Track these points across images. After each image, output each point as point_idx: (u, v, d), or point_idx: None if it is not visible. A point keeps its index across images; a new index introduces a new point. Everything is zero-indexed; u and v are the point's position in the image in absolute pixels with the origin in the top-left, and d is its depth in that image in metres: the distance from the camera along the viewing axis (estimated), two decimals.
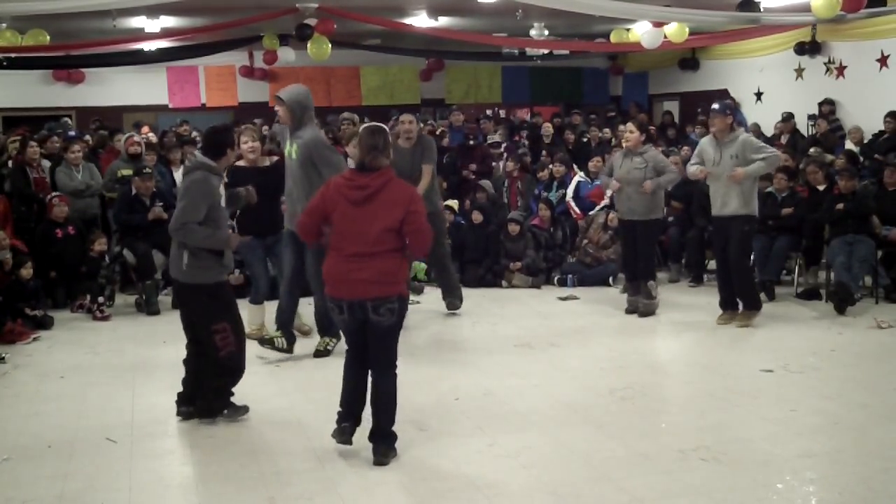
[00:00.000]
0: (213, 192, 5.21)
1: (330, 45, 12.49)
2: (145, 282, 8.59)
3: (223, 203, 5.35)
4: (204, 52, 14.64)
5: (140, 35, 12.82)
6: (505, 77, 18.28)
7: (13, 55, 12.07)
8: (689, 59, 16.60)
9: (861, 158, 10.79)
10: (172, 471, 4.75)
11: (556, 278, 9.61)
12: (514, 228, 9.60)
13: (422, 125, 13.00)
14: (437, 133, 11.67)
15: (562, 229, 10.00)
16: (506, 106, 17.93)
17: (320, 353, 6.77)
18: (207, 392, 5.34)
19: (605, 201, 9.71)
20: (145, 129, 13.12)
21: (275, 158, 7.48)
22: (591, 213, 10.02)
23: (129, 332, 7.81)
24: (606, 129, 13.40)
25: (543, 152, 12.12)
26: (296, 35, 12.14)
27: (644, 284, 8.05)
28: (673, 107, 17.28)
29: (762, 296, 8.44)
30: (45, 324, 7.90)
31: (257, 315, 7.26)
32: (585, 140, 13.09)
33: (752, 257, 8.37)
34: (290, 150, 6.49)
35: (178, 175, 10.06)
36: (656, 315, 8.03)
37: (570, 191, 10.36)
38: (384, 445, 4.69)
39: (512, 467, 4.63)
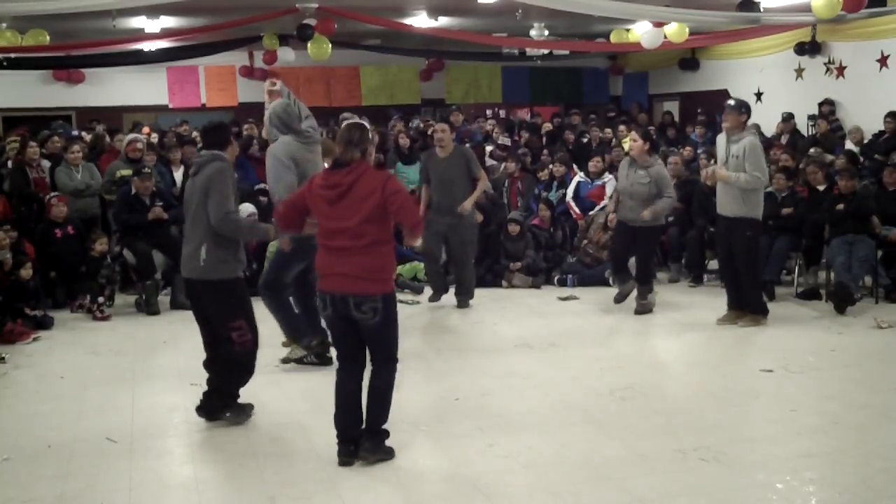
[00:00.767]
0: (234, 180, 5.19)
1: (330, 45, 12.50)
2: (145, 282, 8.58)
3: None
4: (204, 52, 14.64)
5: (140, 35, 12.83)
6: (505, 77, 18.28)
7: (13, 55, 12.09)
8: (689, 59, 16.59)
9: (861, 158, 10.79)
10: (172, 471, 4.75)
11: (556, 278, 9.62)
12: (514, 228, 9.60)
13: (421, 125, 13.09)
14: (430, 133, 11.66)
15: (562, 229, 10.01)
16: (506, 106, 17.93)
17: (289, 359, 6.49)
18: (212, 390, 5.31)
19: (605, 201, 9.71)
20: (147, 129, 13.13)
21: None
22: (591, 213, 10.02)
23: (129, 332, 7.80)
24: (607, 130, 13.41)
25: (545, 151, 12.11)
26: (297, 35, 12.15)
27: (639, 288, 8.08)
28: (673, 107, 17.28)
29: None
30: (45, 324, 7.90)
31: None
32: (585, 140, 13.09)
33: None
34: None
35: (178, 175, 10.08)
36: (656, 315, 8.04)
37: (570, 191, 10.35)
38: (370, 443, 4.60)
39: (512, 467, 4.62)
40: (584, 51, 15.87)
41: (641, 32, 12.21)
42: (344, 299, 4.49)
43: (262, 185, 9.04)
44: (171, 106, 16.53)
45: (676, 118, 16.28)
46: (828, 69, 13.57)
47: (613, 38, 13.50)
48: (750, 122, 7.72)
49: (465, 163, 8.30)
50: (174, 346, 7.23)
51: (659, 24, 11.62)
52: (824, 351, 6.79)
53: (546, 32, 13.67)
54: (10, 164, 9.82)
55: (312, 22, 11.90)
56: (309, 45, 12.33)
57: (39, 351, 7.26)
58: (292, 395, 5.92)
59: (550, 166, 10.74)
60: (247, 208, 8.13)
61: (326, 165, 6.85)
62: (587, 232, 9.84)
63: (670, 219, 9.76)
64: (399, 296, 6.91)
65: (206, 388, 5.40)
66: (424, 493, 4.34)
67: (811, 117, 13.27)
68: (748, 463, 4.61)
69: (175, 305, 8.58)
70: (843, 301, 7.91)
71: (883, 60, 12.55)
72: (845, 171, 8.89)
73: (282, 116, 6.19)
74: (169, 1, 9.32)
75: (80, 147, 9.86)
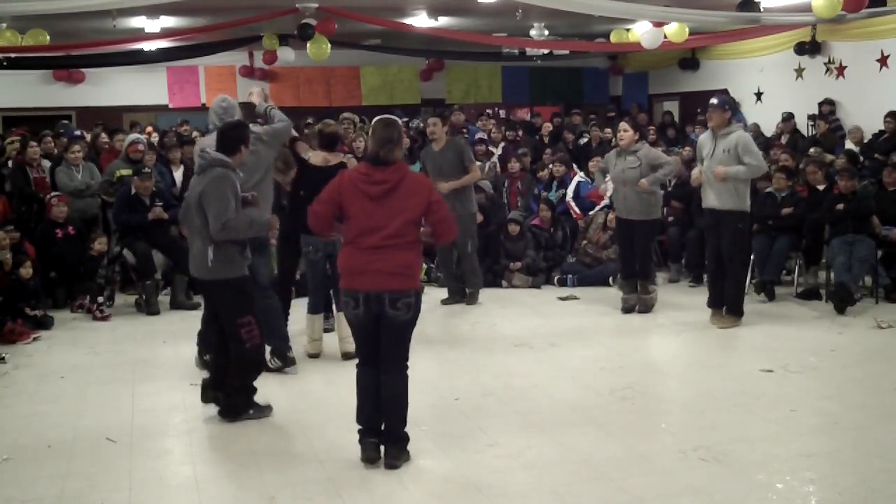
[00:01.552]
0: (236, 186, 5.20)
1: (330, 45, 12.49)
2: (145, 282, 8.59)
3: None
4: (204, 52, 14.64)
5: (140, 35, 12.81)
6: (505, 77, 18.27)
7: (13, 55, 12.08)
8: (689, 59, 16.60)
9: (861, 158, 10.78)
10: (172, 471, 4.75)
11: (556, 278, 9.62)
12: (514, 228, 9.60)
13: (421, 125, 13.07)
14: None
15: (562, 229, 10.01)
16: (506, 106, 17.93)
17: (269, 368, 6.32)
18: (231, 391, 5.33)
19: (605, 201, 9.70)
20: (149, 129, 13.12)
21: (341, 157, 6.98)
22: (591, 213, 10.02)
23: (128, 332, 7.81)
24: (607, 130, 13.40)
25: (548, 150, 12.10)
26: (298, 35, 12.14)
27: (641, 282, 8.08)
28: (673, 107, 17.29)
29: (762, 296, 8.47)
30: (45, 324, 7.90)
31: (317, 327, 6.83)
32: (585, 140, 13.09)
33: (751, 261, 8.38)
34: None
35: (178, 175, 10.08)
36: (656, 315, 8.04)
37: (570, 191, 10.36)
38: (395, 448, 4.62)
39: (512, 467, 4.62)
40: (584, 51, 15.86)
41: (641, 32, 12.20)
42: (379, 296, 4.47)
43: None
44: (171, 106, 16.51)
45: (676, 118, 16.30)
46: (828, 69, 13.57)
47: (613, 38, 13.50)
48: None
49: (458, 153, 8.48)
50: (174, 346, 7.22)
51: (659, 24, 11.61)
52: (824, 351, 6.79)
53: (546, 32, 13.67)
54: (10, 163, 9.82)
55: (312, 22, 11.89)
56: (309, 45, 12.32)
57: (39, 351, 7.26)
58: (292, 395, 5.92)
59: (550, 166, 10.74)
60: None
61: (309, 157, 6.84)
62: (587, 232, 9.84)
63: (670, 219, 9.78)
64: None
65: (204, 387, 5.42)
66: (424, 492, 4.34)
67: (811, 117, 13.27)
68: (748, 463, 4.61)
69: (175, 305, 8.58)
70: (843, 301, 7.91)
71: (883, 60, 12.55)
72: (845, 171, 8.89)
73: (218, 112, 6.40)
74: (169, 1, 9.31)
75: (80, 147, 9.86)
